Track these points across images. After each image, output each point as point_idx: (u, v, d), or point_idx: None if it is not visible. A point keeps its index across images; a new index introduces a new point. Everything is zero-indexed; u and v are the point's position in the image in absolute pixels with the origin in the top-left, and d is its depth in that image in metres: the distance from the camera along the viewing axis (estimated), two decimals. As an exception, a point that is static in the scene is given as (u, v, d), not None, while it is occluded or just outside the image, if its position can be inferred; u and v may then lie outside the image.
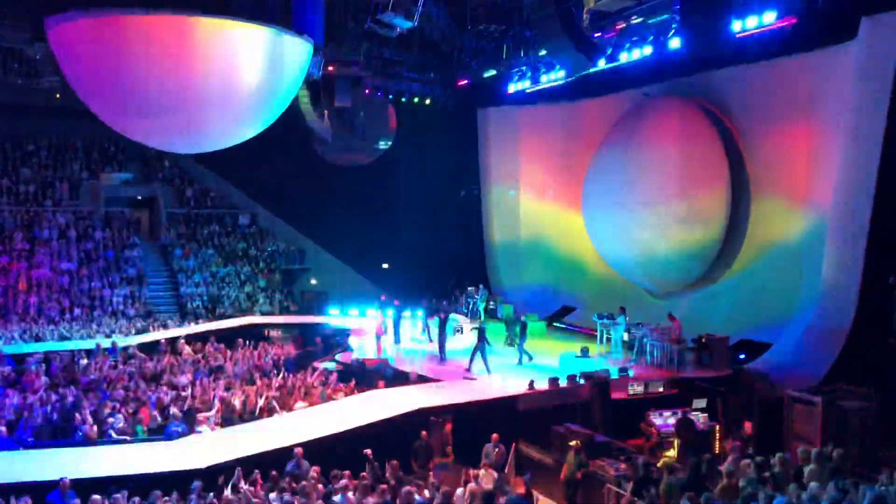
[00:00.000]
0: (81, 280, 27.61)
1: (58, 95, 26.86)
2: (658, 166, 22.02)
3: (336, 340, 23.42)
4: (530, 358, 19.52)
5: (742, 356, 19.12)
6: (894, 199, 16.27)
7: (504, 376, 17.77)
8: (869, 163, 16.63)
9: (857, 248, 16.86)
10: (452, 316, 22.69)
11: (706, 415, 15.62)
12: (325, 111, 27.45)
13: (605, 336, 20.85)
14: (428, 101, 28.62)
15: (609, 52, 19.66)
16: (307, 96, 25.91)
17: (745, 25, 17.23)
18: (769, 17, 16.93)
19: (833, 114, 18.18)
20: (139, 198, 32.71)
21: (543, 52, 22.55)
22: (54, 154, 32.35)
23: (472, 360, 18.70)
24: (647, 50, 19.14)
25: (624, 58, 19.92)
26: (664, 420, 15.26)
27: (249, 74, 16.09)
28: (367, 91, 27.30)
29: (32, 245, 28.28)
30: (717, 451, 14.29)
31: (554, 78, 23.38)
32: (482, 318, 24.41)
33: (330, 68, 24.29)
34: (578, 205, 25.73)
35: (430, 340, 21.82)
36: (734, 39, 17.62)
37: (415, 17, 19.45)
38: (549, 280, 28.08)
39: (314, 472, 11.40)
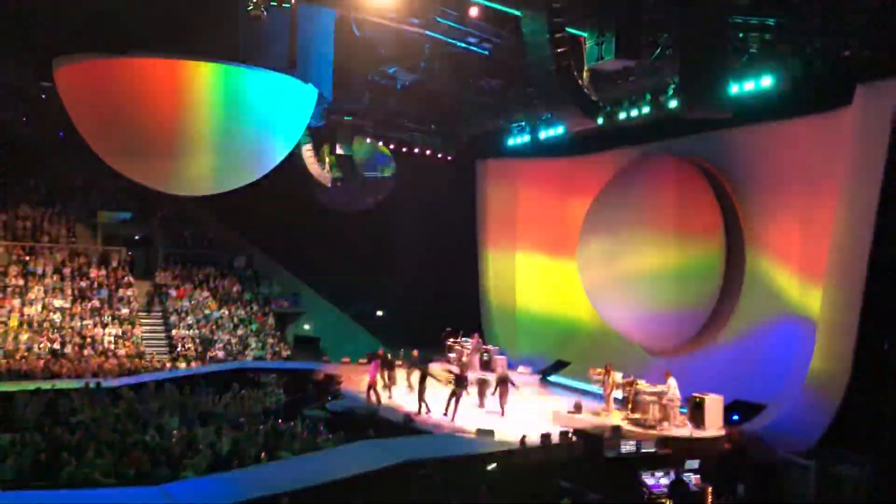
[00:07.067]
0: (73, 318, 27.44)
1: (61, 133, 27.10)
2: (653, 223, 22.13)
3: (327, 387, 23.20)
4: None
5: (736, 417, 18.94)
6: (889, 266, 16.31)
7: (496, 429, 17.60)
8: (864, 229, 16.69)
9: (852, 313, 16.83)
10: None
11: (699, 476, 15.43)
12: (326, 158, 27.69)
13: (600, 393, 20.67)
14: (428, 152, 28.89)
15: (608, 110, 19.91)
16: (309, 143, 26.14)
17: (742, 89, 17.48)
18: (766, 82, 17.22)
19: (828, 178, 18.33)
20: (136, 237, 32.72)
21: (543, 109, 22.82)
22: (54, 191, 32.41)
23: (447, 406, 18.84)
24: (645, 109, 19.40)
25: (622, 116, 20.14)
26: (656, 480, 15.07)
27: (251, 120, 16.31)
28: (367, 139, 27.59)
29: (26, 281, 28.21)
30: (709, 513, 14.08)
31: (553, 133, 23.65)
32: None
33: (332, 116, 24.62)
34: (574, 260, 25.78)
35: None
36: (732, 101, 17.82)
37: (418, 71, 19.77)
38: (543, 344, 27.83)
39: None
